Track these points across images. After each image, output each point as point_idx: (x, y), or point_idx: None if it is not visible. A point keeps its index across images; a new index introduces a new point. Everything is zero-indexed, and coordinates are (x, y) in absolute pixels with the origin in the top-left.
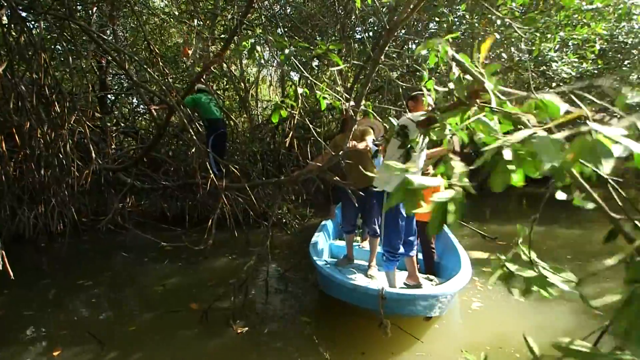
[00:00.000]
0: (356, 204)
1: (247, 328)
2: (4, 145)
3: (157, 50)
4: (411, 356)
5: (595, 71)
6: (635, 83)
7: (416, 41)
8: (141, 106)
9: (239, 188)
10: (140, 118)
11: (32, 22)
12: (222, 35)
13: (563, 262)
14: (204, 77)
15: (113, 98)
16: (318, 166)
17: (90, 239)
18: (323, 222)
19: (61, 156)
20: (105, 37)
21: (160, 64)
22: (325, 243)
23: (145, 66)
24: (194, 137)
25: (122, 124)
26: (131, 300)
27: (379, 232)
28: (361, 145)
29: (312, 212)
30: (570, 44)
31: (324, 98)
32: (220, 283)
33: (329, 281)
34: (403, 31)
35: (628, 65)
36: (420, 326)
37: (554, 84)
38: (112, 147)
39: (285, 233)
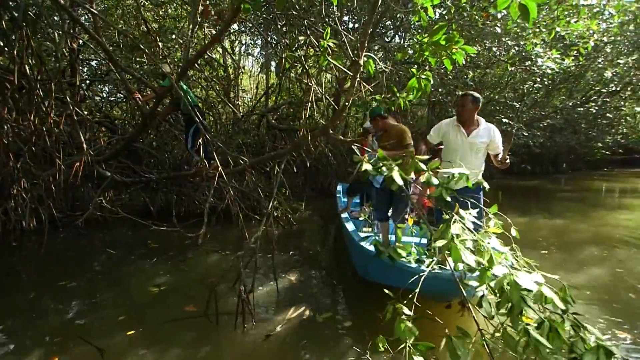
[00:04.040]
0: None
1: (265, 330)
2: None
3: (153, 28)
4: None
5: (573, 67)
6: (608, 80)
7: (401, 34)
8: (117, 94)
9: (240, 171)
10: (115, 107)
11: None
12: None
13: (552, 251)
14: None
15: (85, 86)
16: (333, 135)
17: (67, 236)
18: (344, 215)
19: (33, 148)
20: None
21: (160, 43)
22: None
23: (141, 46)
24: (203, 125)
25: (98, 114)
26: (124, 302)
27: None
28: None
29: (302, 206)
30: (550, 39)
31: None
32: (217, 281)
33: (396, 270)
34: (389, 22)
35: (602, 63)
36: (449, 313)
37: (537, 79)
38: (87, 137)
39: (277, 227)
